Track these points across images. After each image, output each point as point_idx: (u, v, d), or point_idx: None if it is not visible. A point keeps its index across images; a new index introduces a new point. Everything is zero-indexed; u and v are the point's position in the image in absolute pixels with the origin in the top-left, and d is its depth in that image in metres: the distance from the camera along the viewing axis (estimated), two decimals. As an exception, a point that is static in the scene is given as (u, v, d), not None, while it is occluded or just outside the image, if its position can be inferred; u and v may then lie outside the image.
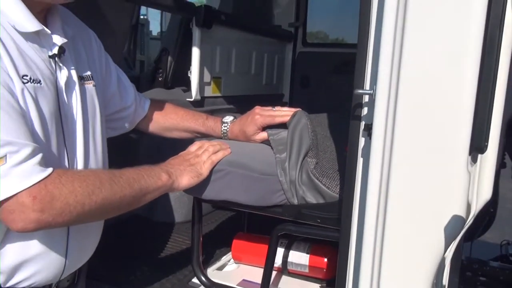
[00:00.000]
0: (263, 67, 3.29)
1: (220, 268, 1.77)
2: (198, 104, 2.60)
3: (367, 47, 0.99)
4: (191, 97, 2.52)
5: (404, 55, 0.84)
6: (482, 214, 2.29)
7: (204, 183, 1.35)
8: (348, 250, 1.09)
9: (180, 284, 1.64)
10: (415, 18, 0.83)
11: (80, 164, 1.10)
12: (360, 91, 0.97)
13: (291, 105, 3.55)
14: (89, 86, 1.17)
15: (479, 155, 0.92)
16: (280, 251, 1.67)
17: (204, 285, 1.57)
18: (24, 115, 0.91)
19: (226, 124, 1.54)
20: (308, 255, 1.62)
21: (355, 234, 1.08)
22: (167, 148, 1.89)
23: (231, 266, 1.79)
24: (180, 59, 2.71)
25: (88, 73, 1.18)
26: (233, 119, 1.56)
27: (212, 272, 1.70)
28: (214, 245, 1.92)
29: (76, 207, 0.92)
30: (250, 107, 2.62)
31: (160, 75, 2.70)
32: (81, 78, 1.14)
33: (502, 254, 2.65)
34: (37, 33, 1.00)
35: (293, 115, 1.44)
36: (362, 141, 1.04)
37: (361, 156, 1.04)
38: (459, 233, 0.85)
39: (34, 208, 0.86)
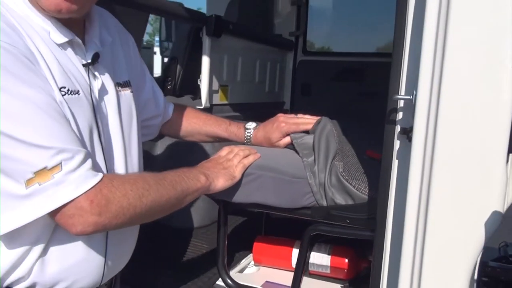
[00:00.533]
0: (266, 75, 3.36)
1: (241, 271, 1.81)
2: (207, 112, 2.66)
3: (402, 54, 1.06)
4: (201, 105, 2.57)
5: (446, 62, 0.91)
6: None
7: (234, 187, 1.39)
8: (383, 247, 1.15)
9: (205, 286, 1.68)
10: (456, 26, 0.90)
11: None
12: (399, 96, 1.03)
13: (292, 112, 3.62)
14: (127, 92, 1.17)
15: (511, 156, 0.99)
16: (301, 253, 1.72)
17: (229, 287, 1.61)
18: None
19: (249, 130, 1.58)
20: (329, 256, 1.68)
21: (390, 232, 1.14)
22: (181, 157, 1.92)
23: (252, 269, 1.83)
24: (188, 67, 2.76)
25: (126, 79, 1.19)
26: (256, 125, 1.60)
27: (235, 275, 1.74)
28: (232, 249, 1.96)
29: (129, 209, 0.95)
30: (254, 114, 2.69)
31: (169, 83, 2.74)
32: (119, 85, 1.14)
33: (501, 255, 2.73)
34: (70, 42, 1.01)
35: (318, 121, 1.50)
36: (397, 143, 1.10)
37: (396, 158, 1.10)
38: (497, 227, 0.92)
39: (92, 212, 0.89)
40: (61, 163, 0.86)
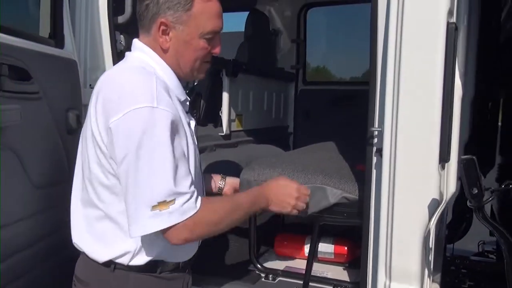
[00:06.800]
0: (272, 103, 3.93)
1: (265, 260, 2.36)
2: (226, 137, 3.22)
3: (375, 96, 1.63)
4: (223, 132, 3.14)
5: (400, 107, 1.49)
6: (460, 220, 2.92)
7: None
8: (369, 228, 1.70)
9: (242, 269, 2.23)
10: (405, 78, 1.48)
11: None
12: (374, 129, 1.61)
13: (295, 134, 4.21)
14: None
15: (446, 164, 1.56)
16: (311, 244, 2.28)
17: (259, 270, 2.17)
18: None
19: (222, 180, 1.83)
20: (333, 245, 2.23)
21: (373, 220, 1.69)
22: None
23: (272, 258, 2.38)
24: (210, 101, 3.32)
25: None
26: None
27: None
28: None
29: (209, 232, 1.37)
30: (263, 137, 3.08)
31: (195, 115, 3.30)
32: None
33: (479, 251, 3.24)
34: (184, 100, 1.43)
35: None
36: (374, 159, 1.66)
37: (374, 168, 1.67)
38: (437, 208, 1.48)
39: (185, 232, 1.29)
40: (175, 198, 1.25)
